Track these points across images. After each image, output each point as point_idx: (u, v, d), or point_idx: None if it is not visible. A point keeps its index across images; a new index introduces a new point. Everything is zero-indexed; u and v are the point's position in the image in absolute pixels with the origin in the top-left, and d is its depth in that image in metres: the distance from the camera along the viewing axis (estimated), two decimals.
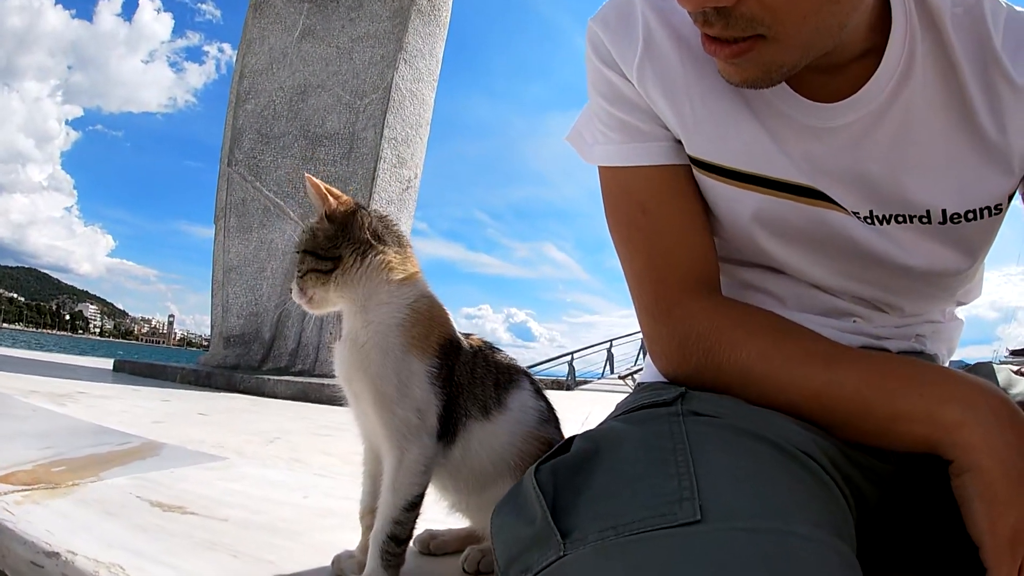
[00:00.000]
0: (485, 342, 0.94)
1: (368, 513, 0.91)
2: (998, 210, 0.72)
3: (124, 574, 0.88)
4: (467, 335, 0.92)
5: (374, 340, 0.83)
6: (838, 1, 0.58)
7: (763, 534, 0.43)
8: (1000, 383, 0.83)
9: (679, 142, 0.76)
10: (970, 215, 0.72)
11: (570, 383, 12.83)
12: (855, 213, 0.73)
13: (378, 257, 0.85)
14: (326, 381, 4.13)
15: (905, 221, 0.73)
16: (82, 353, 11.59)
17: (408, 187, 5.00)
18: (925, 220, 0.72)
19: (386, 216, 0.91)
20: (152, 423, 2.41)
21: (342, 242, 0.84)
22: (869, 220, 0.73)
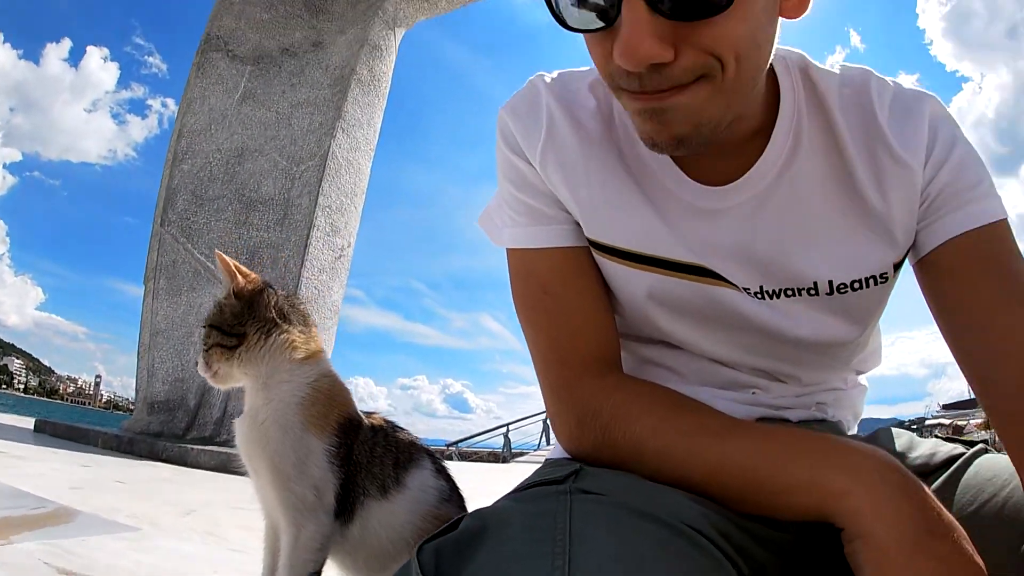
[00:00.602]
0: (387, 421, 0.95)
1: None
2: (884, 279, 0.75)
3: None
4: (369, 414, 0.94)
5: (273, 417, 0.84)
6: (762, 52, 0.61)
7: None
8: (899, 448, 0.84)
9: (579, 225, 0.79)
10: (856, 285, 0.74)
11: (506, 455, 12.72)
12: (745, 289, 0.75)
13: (282, 336, 0.87)
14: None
15: (794, 294, 0.75)
16: (3, 410, 11.35)
17: (341, 255, 4.92)
18: (813, 292, 0.75)
19: (292, 296, 0.94)
20: (69, 488, 2.36)
21: (248, 319, 0.86)
22: (759, 295, 0.75)
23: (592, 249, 0.79)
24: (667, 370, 0.84)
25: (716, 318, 0.78)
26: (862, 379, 0.94)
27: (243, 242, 4.75)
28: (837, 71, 0.76)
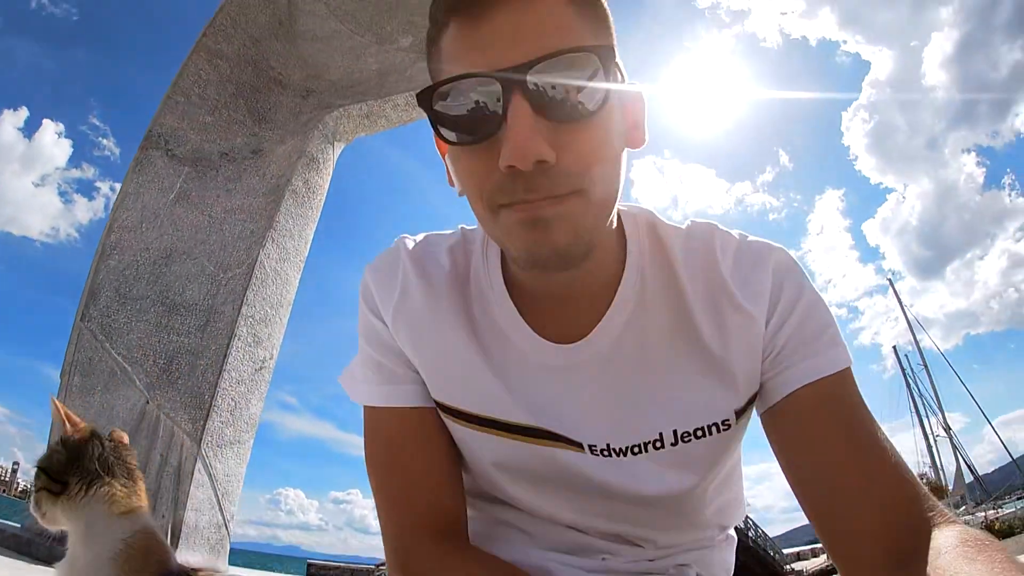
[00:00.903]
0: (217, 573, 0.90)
1: None
2: (726, 426, 0.76)
3: None
4: (197, 569, 0.94)
5: (87, 570, 0.85)
6: (617, 171, 0.66)
7: None
8: None
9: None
10: (699, 432, 0.75)
11: None
12: (591, 447, 0.76)
13: (103, 489, 0.87)
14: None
15: (640, 450, 0.76)
16: None
17: (262, 367, 4.82)
18: (659, 445, 0.76)
19: (122, 446, 0.94)
20: None
21: (72, 468, 0.87)
22: (606, 452, 0.76)
23: (439, 411, 0.81)
24: (519, 532, 0.85)
25: (559, 482, 0.78)
26: (731, 531, 0.95)
27: (162, 346, 4.62)
28: (684, 227, 0.80)
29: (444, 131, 0.64)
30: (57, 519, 0.90)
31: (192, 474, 4.45)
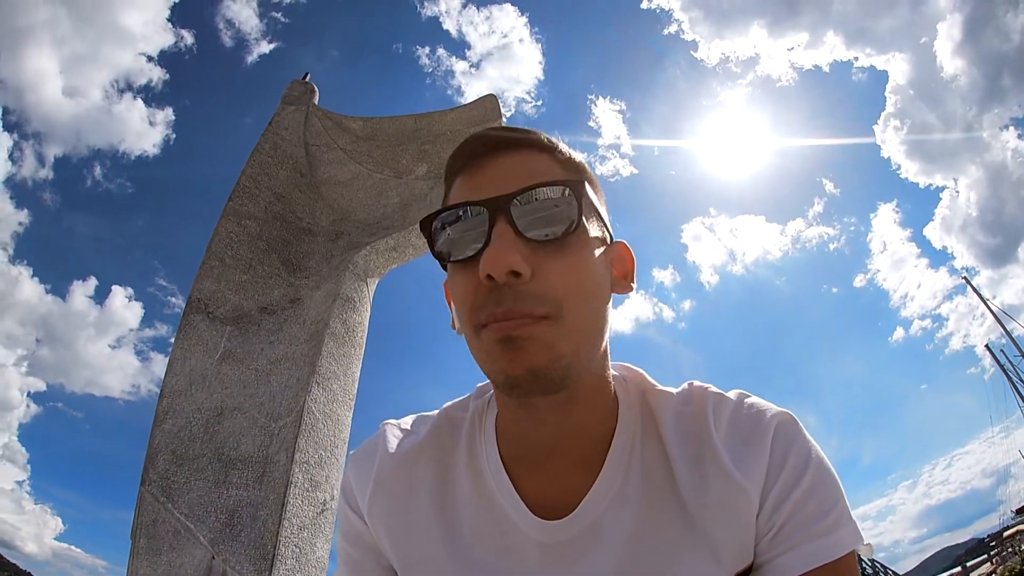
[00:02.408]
0: None
1: None
2: None
3: None
4: None
5: None
6: (596, 305, 0.69)
7: None
8: None
9: None
10: None
11: None
12: None
13: None
14: None
15: None
16: None
17: (323, 510, 4.95)
18: None
19: None
20: None
21: None
22: None
23: None
24: None
25: None
26: None
27: (222, 501, 4.80)
28: (677, 391, 0.79)
29: (441, 251, 0.74)
30: None
31: None
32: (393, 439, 0.84)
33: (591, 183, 0.76)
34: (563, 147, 0.77)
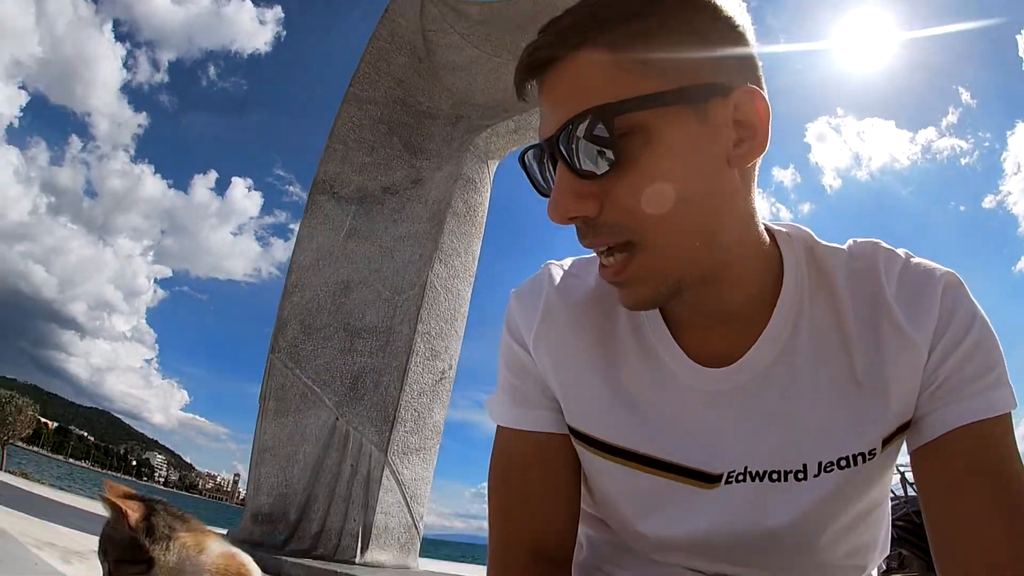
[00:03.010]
0: None
1: None
2: (872, 455, 0.72)
3: None
4: None
5: None
6: (692, 210, 0.62)
7: None
8: None
9: (562, 413, 0.81)
10: (843, 462, 0.72)
11: None
12: (728, 474, 0.73)
13: (177, 543, 0.98)
14: (341, 568, 4.21)
15: (780, 479, 0.73)
16: None
17: (442, 378, 5.22)
18: (801, 476, 0.72)
19: (167, 504, 1.03)
20: None
21: (150, 545, 0.95)
22: (741, 478, 0.73)
23: (573, 438, 0.80)
24: (631, 563, 0.85)
25: (685, 519, 0.76)
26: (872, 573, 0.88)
27: (347, 367, 5.12)
28: (845, 247, 0.76)
29: (539, 184, 0.71)
30: None
31: (380, 481, 4.92)
32: (558, 279, 0.83)
33: (666, 72, 0.64)
34: (635, 27, 0.64)
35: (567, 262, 0.86)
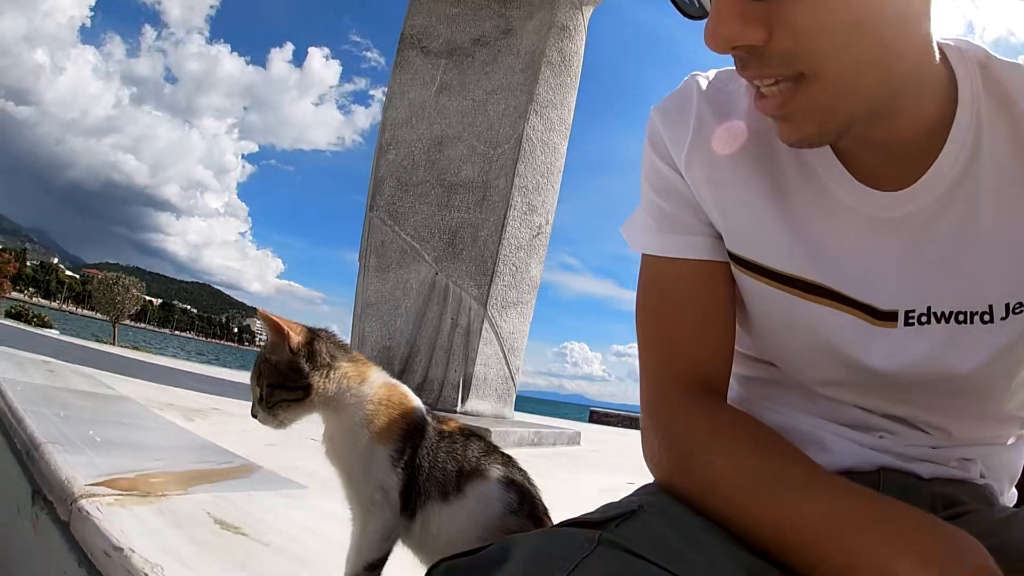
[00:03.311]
0: (462, 427, 1.00)
1: None
2: None
3: (162, 574, 1.08)
4: (444, 419, 0.99)
5: (344, 436, 0.93)
6: (872, 37, 0.56)
7: None
8: None
9: (719, 237, 0.75)
10: None
11: None
12: (907, 313, 0.69)
13: (338, 372, 0.94)
14: (443, 417, 4.49)
15: (965, 320, 0.68)
16: (241, 367, 12.70)
17: (539, 233, 5.28)
18: (987, 318, 0.67)
19: (328, 331, 0.99)
20: (265, 445, 2.62)
21: (309, 371, 0.92)
22: (925, 318, 0.68)
23: (732, 263, 0.75)
24: (788, 397, 0.81)
25: (849, 353, 0.72)
26: None
27: (445, 223, 5.22)
28: (1022, 61, 0.69)
29: (686, 12, 0.62)
30: (299, 418, 0.96)
31: (480, 333, 5.10)
32: (709, 92, 0.76)
33: None
34: None
35: (712, 73, 0.78)
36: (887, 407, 0.74)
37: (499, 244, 5.03)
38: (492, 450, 0.99)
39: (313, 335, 0.94)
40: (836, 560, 0.53)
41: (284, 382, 0.92)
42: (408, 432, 0.94)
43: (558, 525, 0.63)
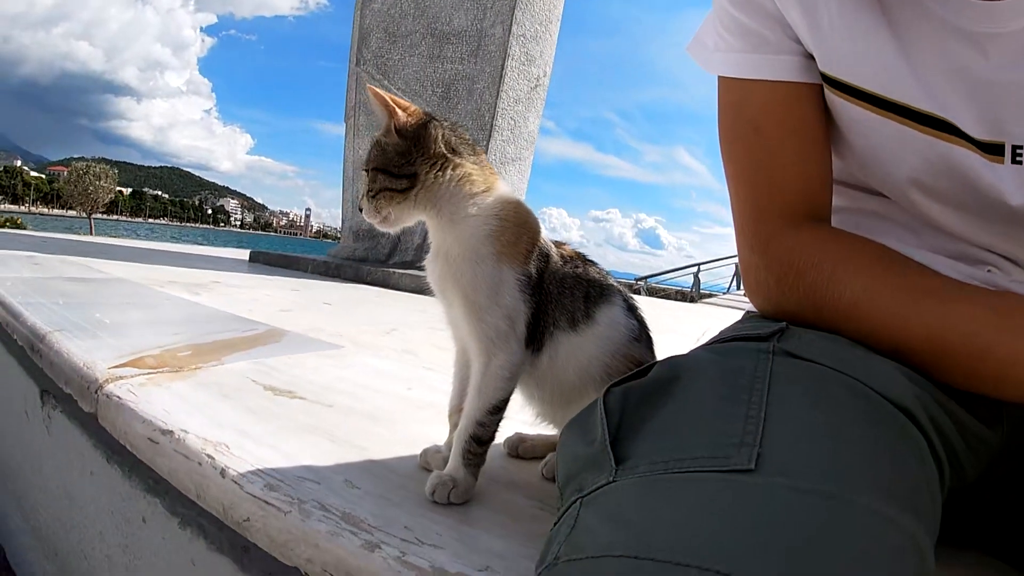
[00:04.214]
0: (578, 253, 0.93)
1: (455, 412, 0.94)
2: None
3: (228, 452, 0.95)
4: (559, 244, 0.92)
5: (465, 253, 0.83)
6: None
7: (816, 496, 0.40)
8: None
9: (810, 57, 0.70)
10: None
11: (694, 295, 12.80)
12: (1015, 148, 0.63)
13: (457, 171, 0.84)
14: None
15: None
16: (223, 244, 12.60)
17: (537, 85, 5.03)
18: None
19: (457, 124, 0.89)
20: (279, 311, 2.57)
21: (416, 158, 0.82)
22: None
23: (826, 87, 0.70)
24: (894, 226, 0.76)
25: (958, 186, 0.67)
26: None
27: (438, 75, 4.94)
28: None
29: None
30: (404, 217, 0.86)
31: None
32: None
33: None
34: None
35: None
36: (993, 242, 0.71)
37: (497, 96, 4.81)
38: (606, 275, 0.93)
39: (430, 119, 0.85)
40: (1001, 356, 0.53)
41: (388, 167, 0.83)
42: (537, 256, 0.85)
43: (714, 341, 0.64)
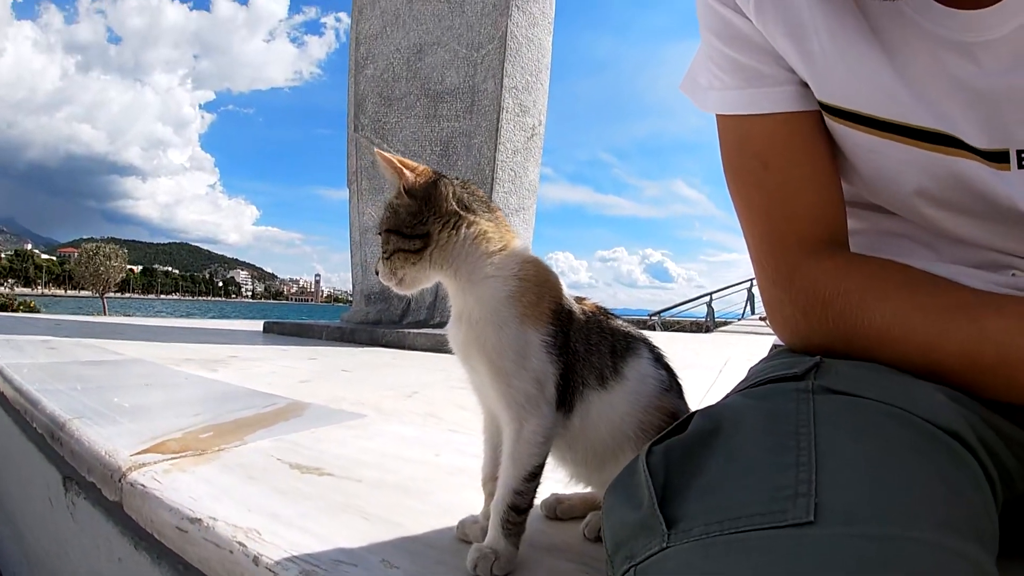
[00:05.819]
0: (599, 307, 0.90)
1: (490, 480, 0.91)
2: None
3: (260, 539, 0.91)
4: (580, 299, 0.89)
5: (487, 317, 0.81)
6: None
7: (880, 542, 0.39)
8: None
9: (805, 85, 0.69)
10: None
11: (709, 324, 12.87)
12: (1020, 152, 0.63)
13: (472, 228, 0.82)
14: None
15: None
16: (237, 317, 12.67)
17: (533, 134, 5.10)
18: None
19: (469, 182, 0.87)
20: (298, 382, 2.55)
21: (428, 217, 0.81)
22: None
23: (825, 115, 0.70)
24: (912, 242, 0.75)
25: (965, 198, 0.67)
26: None
27: (435, 134, 5.01)
28: None
29: None
30: (420, 279, 0.84)
31: None
32: None
33: None
34: None
35: None
36: (1009, 245, 0.70)
37: (495, 150, 4.87)
38: (629, 326, 0.91)
39: (439, 177, 0.83)
40: None
41: (400, 227, 0.81)
42: (560, 315, 0.83)
43: (749, 385, 0.62)
